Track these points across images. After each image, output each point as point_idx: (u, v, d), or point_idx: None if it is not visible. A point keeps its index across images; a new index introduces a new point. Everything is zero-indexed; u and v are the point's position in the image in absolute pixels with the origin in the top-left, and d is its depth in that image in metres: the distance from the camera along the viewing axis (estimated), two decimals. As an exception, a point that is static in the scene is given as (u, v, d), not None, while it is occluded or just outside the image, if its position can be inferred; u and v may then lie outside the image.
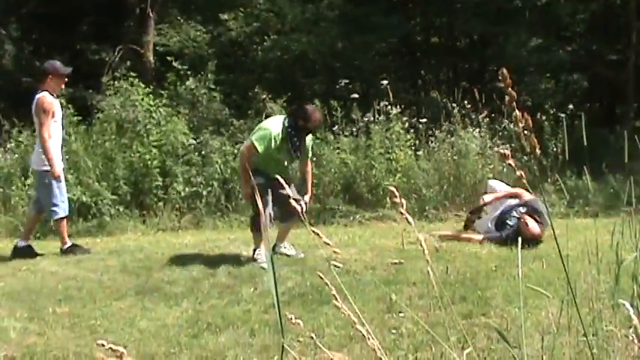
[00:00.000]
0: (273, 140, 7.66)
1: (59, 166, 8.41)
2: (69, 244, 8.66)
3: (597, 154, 12.21)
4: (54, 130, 8.29)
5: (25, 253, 8.52)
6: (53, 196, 8.41)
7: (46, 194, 8.50)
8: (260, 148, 7.67)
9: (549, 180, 11.39)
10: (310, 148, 8.21)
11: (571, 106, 12.89)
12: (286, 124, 7.76)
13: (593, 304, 3.46)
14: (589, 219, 10.00)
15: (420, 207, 11.02)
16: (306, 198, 8.10)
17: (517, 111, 1.80)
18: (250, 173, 7.56)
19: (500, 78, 1.77)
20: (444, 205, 11.05)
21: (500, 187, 9.36)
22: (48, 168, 8.26)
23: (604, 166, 11.81)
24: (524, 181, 2.01)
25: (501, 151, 1.86)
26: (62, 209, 8.52)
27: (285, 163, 7.97)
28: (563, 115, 11.46)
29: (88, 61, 17.86)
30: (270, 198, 7.60)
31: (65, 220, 8.69)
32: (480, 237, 8.69)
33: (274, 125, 7.81)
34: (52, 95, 8.32)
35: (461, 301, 6.07)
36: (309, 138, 8.03)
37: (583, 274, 4.02)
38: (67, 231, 8.87)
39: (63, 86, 8.65)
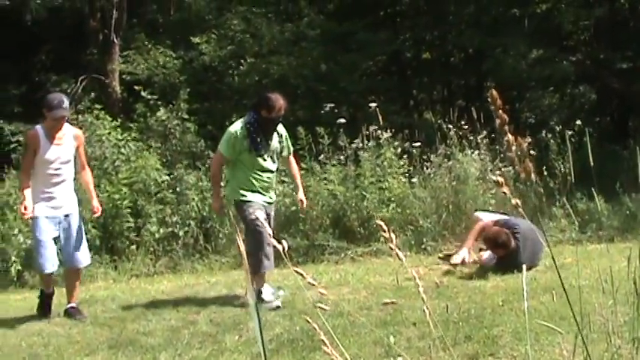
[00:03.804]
0: (235, 140, 7.75)
1: (30, 207, 7.82)
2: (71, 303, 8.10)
3: (610, 172, 12.24)
4: (40, 169, 7.84)
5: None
6: (34, 243, 8.06)
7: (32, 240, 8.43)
8: (226, 153, 7.81)
9: (558, 203, 11.39)
10: (287, 141, 8.22)
11: (579, 122, 12.91)
12: (246, 120, 7.83)
13: (610, 339, 3.46)
14: (603, 244, 10.01)
15: (417, 239, 11.00)
16: (301, 195, 8.32)
17: (510, 135, 1.81)
18: (242, 199, 7.73)
19: (489, 99, 1.78)
20: (443, 236, 11.01)
21: (488, 217, 9.48)
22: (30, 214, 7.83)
23: (617, 186, 11.83)
24: (521, 210, 2.01)
25: (494, 178, 1.85)
26: (43, 261, 7.84)
27: (267, 166, 7.91)
28: (570, 132, 11.50)
29: (48, 94, 17.80)
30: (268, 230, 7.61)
31: (48, 276, 8.04)
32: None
33: (234, 125, 7.91)
34: (44, 131, 7.80)
35: (466, 341, 6.06)
36: (280, 128, 8.03)
37: (598, 306, 4.02)
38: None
39: (56, 129, 7.85)
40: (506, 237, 8.70)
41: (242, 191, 7.77)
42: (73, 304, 8.08)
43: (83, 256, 8.13)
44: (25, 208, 7.70)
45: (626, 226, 11.03)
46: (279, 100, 7.78)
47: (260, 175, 7.82)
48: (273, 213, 8.21)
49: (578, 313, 2.57)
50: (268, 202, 7.97)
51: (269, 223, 7.80)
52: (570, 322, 5.62)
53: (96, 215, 8.40)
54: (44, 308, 8.17)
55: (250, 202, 7.75)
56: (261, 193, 7.85)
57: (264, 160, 7.86)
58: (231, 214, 8.13)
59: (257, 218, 7.52)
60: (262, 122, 7.76)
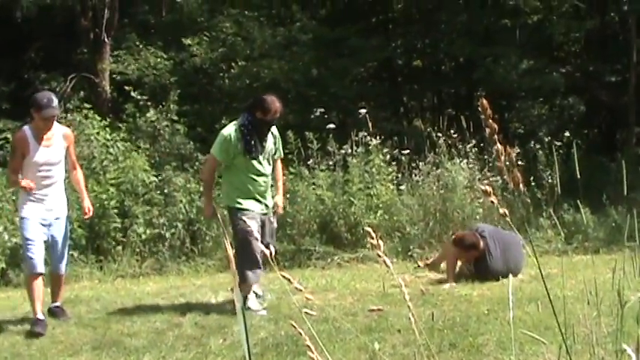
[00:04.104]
0: (229, 143, 7.60)
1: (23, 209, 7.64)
2: (38, 314, 7.54)
3: (597, 184, 12.31)
4: (29, 172, 7.52)
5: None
6: (24, 243, 7.66)
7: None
8: (220, 157, 7.69)
9: (544, 214, 11.44)
10: (279, 143, 8.07)
11: (567, 133, 12.99)
12: (240, 122, 7.70)
13: (594, 350, 3.48)
14: (589, 256, 10.06)
15: (404, 246, 11.03)
16: (279, 199, 8.10)
17: (499, 145, 1.82)
18: (237, 206, 7.60)
19: (480, 108, 1.79)
20: (430, 244, 11.05)
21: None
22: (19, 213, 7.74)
23: (604, 198, 11.89)
24: (508, 219, 2.02)
25: (482, 187, 1.86)
26: (33, 261, 7.54)
27: (261, 170, 7.76)
28: (558, 143, 11.53)
29: (37, 92, 17.74)
30: (259, 237, 7.59)
31: (36, 279, 7.59)
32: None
33: (227, 128, 7.78)
34: (32, 132, 7.55)
35: (450, 349, 6.08)
36: (274, 130, 7.92)
37: (583, 317, 4.03)
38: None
39: (46, 130, 7.58)
40: (475, 237, 8.85)
41: (237, 198, 7.62)
42: (57, 304, 7.97)
43: (65, 263, 7.97)
44: (27, 185, 7.44)
45: (611, 237, 11.08)
46: (275, 103, 7.67)
47: (255, 180, 7.67)
48: (272, 219, 7.99)
49: (563, 323, 2.59)
50: (264, 212, 7.78)
51: (264, 233, 7.75)
52: (555, 333, 5.66)
53: (87, 217, 8.25)
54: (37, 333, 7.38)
55: (245, 210, 7.60)
56: (257, 200, 7.69)
57: (260, 163, 7.71)
58: (220, 217, 8.02)
59: (249, 230, 7.45)
60: (257, 124, 7.63)
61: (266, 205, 7.83)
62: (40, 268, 7.58)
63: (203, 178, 8.04)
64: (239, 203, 7.61)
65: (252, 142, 7.63)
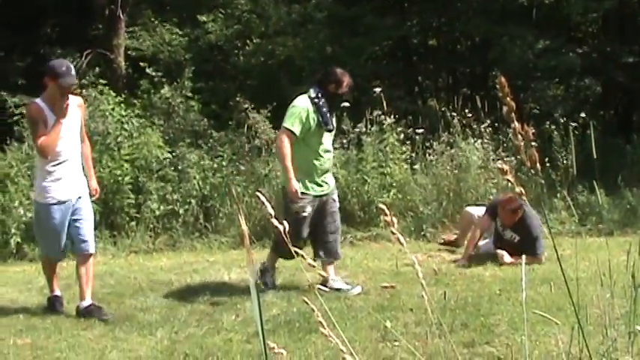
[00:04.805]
0: (307, 114, 7.37)
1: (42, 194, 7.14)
2: (55, 291, 7.49)
3: (612, 166, 12.25)
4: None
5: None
6: (42, 231, 7.33)
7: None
8: (297, 130, 7.33)
9: (559, 195, 11.40)
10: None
11: (583, 114, 12.89)
12: (312, 95, 7.48)
13: (607, 332, 3.47)
14: (603, 238, 10.02)
15: (417, 225, 11.01)
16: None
17: (516, 123, 1.81)
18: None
19: (497, 86, 1.78)
20: (443, 224, 11.03)
21: (479, 211, 9.54)
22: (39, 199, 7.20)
23: (619, 180, 11.84)
24: (525, 199, 2.02)
25: (499, 165, 1.85)
26: (53, 248, 7.27)
27: (328, 145, 7.62)
28: (574, 124, 11.48)
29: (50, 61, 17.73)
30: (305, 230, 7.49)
31: (54, 263, 7.50)
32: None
33: (300, 100, 7.53)
34: (47, 104, 6.95)
35: (462, 329, 6.09)
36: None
37: (596, 298, 4.03)
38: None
39: (62, 100, 6.96)
40: (517, 199, 8.69)
41: (299, 180, 7.34)
42: (90, 302, 7.20)
43: (94, 241, 7.42)
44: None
45: (626, 220, 11.04)
46: (346, 76, 7.56)
47: (322, 156, 7.47)
48: (335, 198, 7.79)
49: (576, 304, 2.58)
50: (325, 193, 7.59)
51: (325, 214, 7.58)
52: (567, 314, 5.66)
53: (94, 197, 7.58)
54: (56, 310, 7.37)
55: (304, 194, 7.37)
56: (318, 184, 7.49)
57: (330, 135, 7.60)
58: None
59: (304, 216, 7.35)
60: (329, 98, 7.47)
61: (328, 185, 7.68)
62: (61, 255, 7.41)
63: (282, 155, 7.35)
64: (304, 185, 7.39)
65: (328, 115, 7.46)
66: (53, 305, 7.40)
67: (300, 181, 7.36)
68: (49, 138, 6.87)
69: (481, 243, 9.18)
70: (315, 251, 7.72)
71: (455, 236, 10.03)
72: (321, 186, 7.56)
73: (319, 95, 7.45)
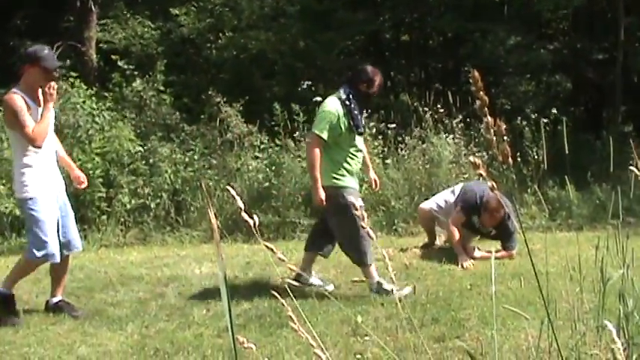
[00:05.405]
0: (336, 119, 7.04)
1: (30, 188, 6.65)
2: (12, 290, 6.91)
3: (582, 161, 12.35)
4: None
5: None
6: (36, 226, 6.62)
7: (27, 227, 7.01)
8: (325, 135, 7.01)
9: (529, 190, 11.47)
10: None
11: (554, 110, 13.02)
12: (343, 97, 7.12)
13: (576, 326, 3.49)
14: (572, 233, 10.09)
15: (389, 220, 11.03)
16: (374, 175, 7.82)
17: (489, 117, 1.80)
18: (337, 184, 7.08)
19: (470, 80, 1.77)
20: (415, 218, 11.04)
21: (432, 204, 9.49)
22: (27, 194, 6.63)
23: (589, 175, 11.93)
24: (497, 192, 2.02)
25: (471, 159, 1.84)
26: (48, 250, 6.66)
27: (360, 145, 7.31)
28: (545, 119, 11.54)
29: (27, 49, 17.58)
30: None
31: (42, 263, 6.89)
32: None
33: (330, 103, 7.16)
34: (26, 94, 6.54)
35: (432, 323, 6.10)
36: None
37: (565, 293, 4.05)
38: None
39: (43, 87, 6.58)
40: (503, 205, 8.58)
41: (341, 176, 7.11)
42: (60, 298, 7.04)
43: (79, 238, 7.08)
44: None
45: (595, 215, 11.13)
46: (378, 74, 7.28)
47: (355, 155, 7.21)
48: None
49: (545, 299, 2.59)
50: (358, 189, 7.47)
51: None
52: (537, 308, 5.69)
53: (82, 186, 7.26)
54: (11, 314, 6.78)
55: (347, 187, 7.12)
56: (354, 178, 7.28)
57: (361, 137, 7.32)
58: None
59: (354, 206, 6.85)
60: (360, 98, 7.15)
61: (359, 183, 7.58)
62: (58, 257, 6.70)
63: (311, 164, 7.07)
64: (340, 180, 7.12)
65: (360, 117, 7.17)
66: (12, 304, 6.85)
67: (343, 177, 7.11)
68: (41, 125, 6.49)
69: (476, 254, 9.10)
70: (320, 245, 7.68)
71: (426, 240, 9.95)
72: (357, 182, 7.41)
73: (350, 96, 7.12)
